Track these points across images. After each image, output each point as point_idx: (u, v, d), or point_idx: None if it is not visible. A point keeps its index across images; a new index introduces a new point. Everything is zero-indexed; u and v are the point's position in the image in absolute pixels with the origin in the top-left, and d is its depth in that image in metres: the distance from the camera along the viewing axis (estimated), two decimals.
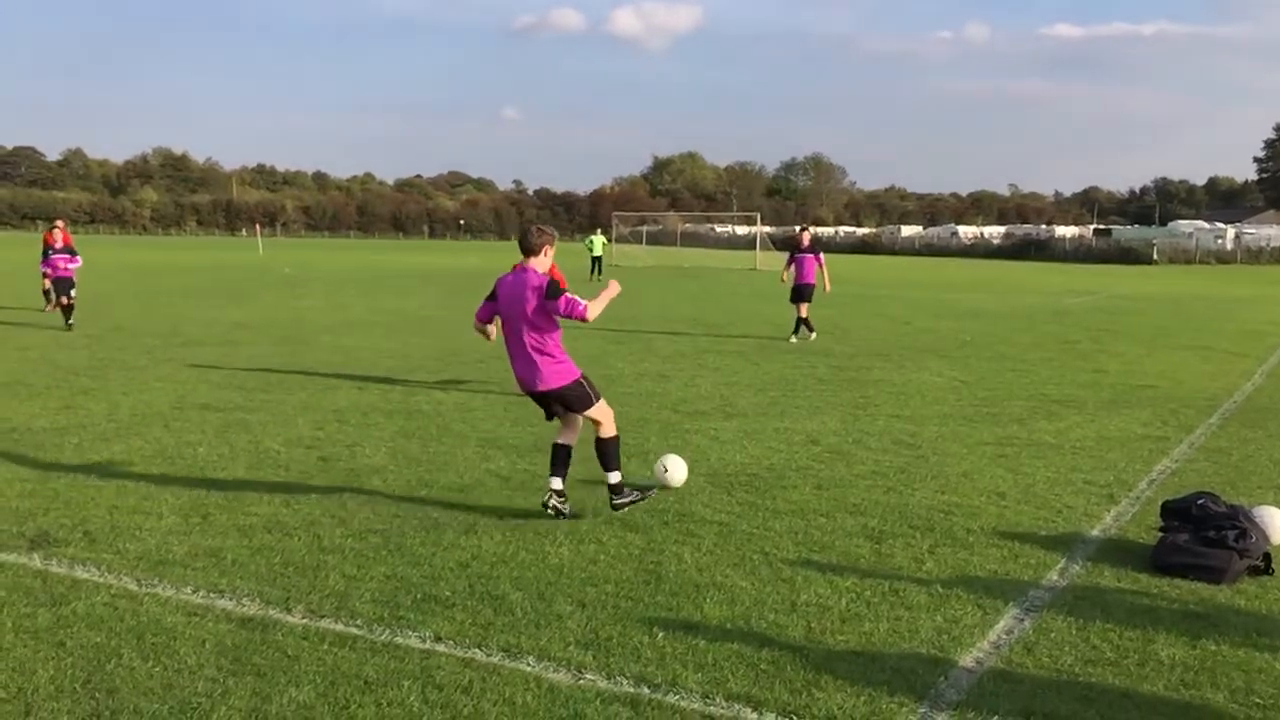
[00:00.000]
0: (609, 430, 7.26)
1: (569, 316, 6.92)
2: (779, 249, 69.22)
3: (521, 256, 7.28)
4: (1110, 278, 50.22)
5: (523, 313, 6.99)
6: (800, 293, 19.55)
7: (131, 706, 4.42)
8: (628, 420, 10.92)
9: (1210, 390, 13.77)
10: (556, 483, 7.23)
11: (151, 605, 5.57)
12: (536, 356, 7.05)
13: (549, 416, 7.43)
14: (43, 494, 7.73)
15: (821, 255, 19.65)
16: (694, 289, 36.32)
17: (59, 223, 23.78)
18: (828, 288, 19.84)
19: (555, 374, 7.08)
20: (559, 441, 7.32)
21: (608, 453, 7.25)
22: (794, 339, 19.35)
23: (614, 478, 7.26)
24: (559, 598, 5.78)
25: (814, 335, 19.39)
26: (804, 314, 19.45)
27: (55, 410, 11.10)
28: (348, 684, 4.66)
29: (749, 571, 6.29)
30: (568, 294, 6.94)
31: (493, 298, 7.25)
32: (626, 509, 7.30)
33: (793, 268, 19.71)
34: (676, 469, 8.14)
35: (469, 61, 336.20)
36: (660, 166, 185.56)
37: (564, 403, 7.19)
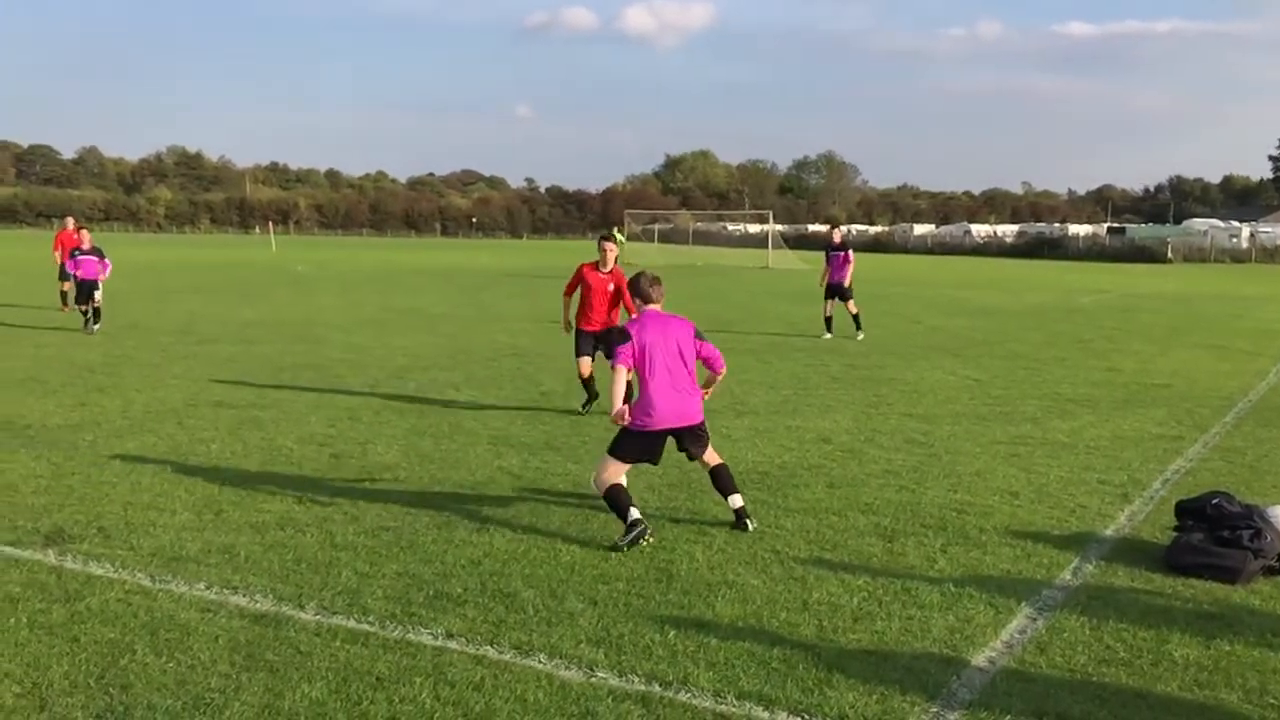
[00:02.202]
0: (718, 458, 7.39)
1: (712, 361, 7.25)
2: (791, 247, 69.17)
3: (642, 303, 7.32)
4: (1124, 276, 50.02)
5: (679, 351, 7.08)
6: (833, 290, 19.67)
7: (145, 702, 4.44)
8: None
9: (1225, 389, 13.71)
10: (736, 500, 7.20)
11: (165, 601, 5.60)
12: (690, 389, 7.13)
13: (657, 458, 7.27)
14: (58, 490, 7.77)
15: (850, 253, 19.88)
16: (706, 287, 36.30)
17: (69, 221, 23.74)
18: (846, 282, 19.83)
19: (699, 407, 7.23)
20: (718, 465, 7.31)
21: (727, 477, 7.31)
22: (827, 335, 19.37)
23: (737, 501, 7.22)
24: (570, 595, 5.79)
25: (860, 335, 19.36)
26: (854, 310, 19.64)
27: (70, 407, 11.15)
28: (360, 681, 4.67)
29: (761, 570, 6.28)
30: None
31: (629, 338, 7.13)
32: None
33: (828, 266, 19.84)
34: None
35: (481, 60, 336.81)
36: (672, 164, 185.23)
37: (698, 434, 7.22)
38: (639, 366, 7.02)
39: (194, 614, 5.42)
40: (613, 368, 7.08)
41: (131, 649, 4.97)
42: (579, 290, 11.22)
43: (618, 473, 6.96)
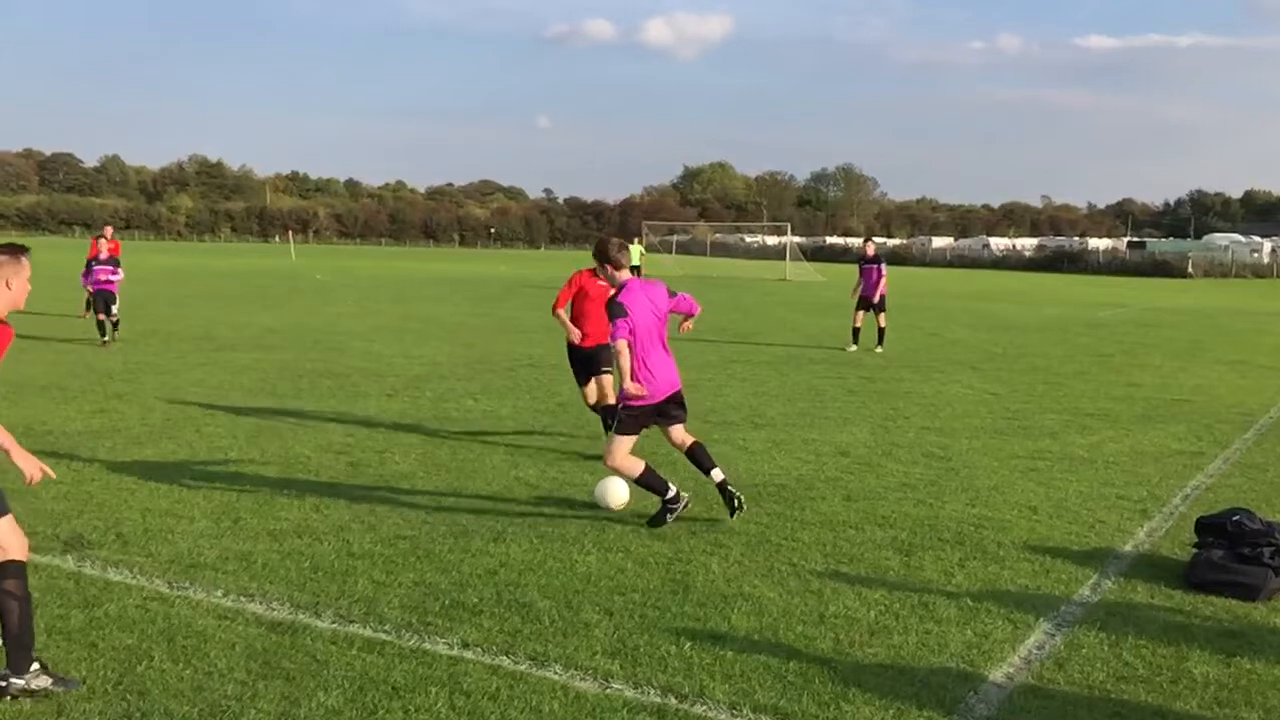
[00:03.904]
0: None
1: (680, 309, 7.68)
2: (809, 259, 69.09)
3: (617, 272, 7.51)
4: (1144, 291, 49.77)
5: (661, 317, 7.39)
6: (866, 303, 19.67)
7: (162, 708, 4.45)
8: (655, 429, 10.91)
9: (1246, 405, 13.61)
10: (718, 474, 7.48)
11: (183, 608, 5.62)
12: (670, 352, 7.43)
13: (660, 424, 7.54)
14: (77, 496, 7.81)
15: (884, 266, 19.87)
16: (723, 298, 36.28)
17: (107, 230, 23.66)
18: (877, 296, 19.78)
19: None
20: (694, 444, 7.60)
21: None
22: (852, 348, 19.34)
23: (719, 474, 7.50)
24: (586, 606, 5.78)
25: (880, 349, 19.28)
26: (882, 324, 19.62)
27: (90, 413, 11.22)
28: (376, 689, 4.68)
29: (777, 582, 6.27)
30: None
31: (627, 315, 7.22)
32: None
33: (861, 278, 19.81)
34: (609, 493, 7.71)
35: (501, 70, 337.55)
36: (690, 176, 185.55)
37: (681, 399, 7.56)
38: (634, 339, 7.18)
39: (211, 621, 5.44)
40: (616, 342, 7.15)
41: (149, 655, 4.99)
42: (571, 302, 10.01)
43: (631, 450, 7.31)
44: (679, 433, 7.58)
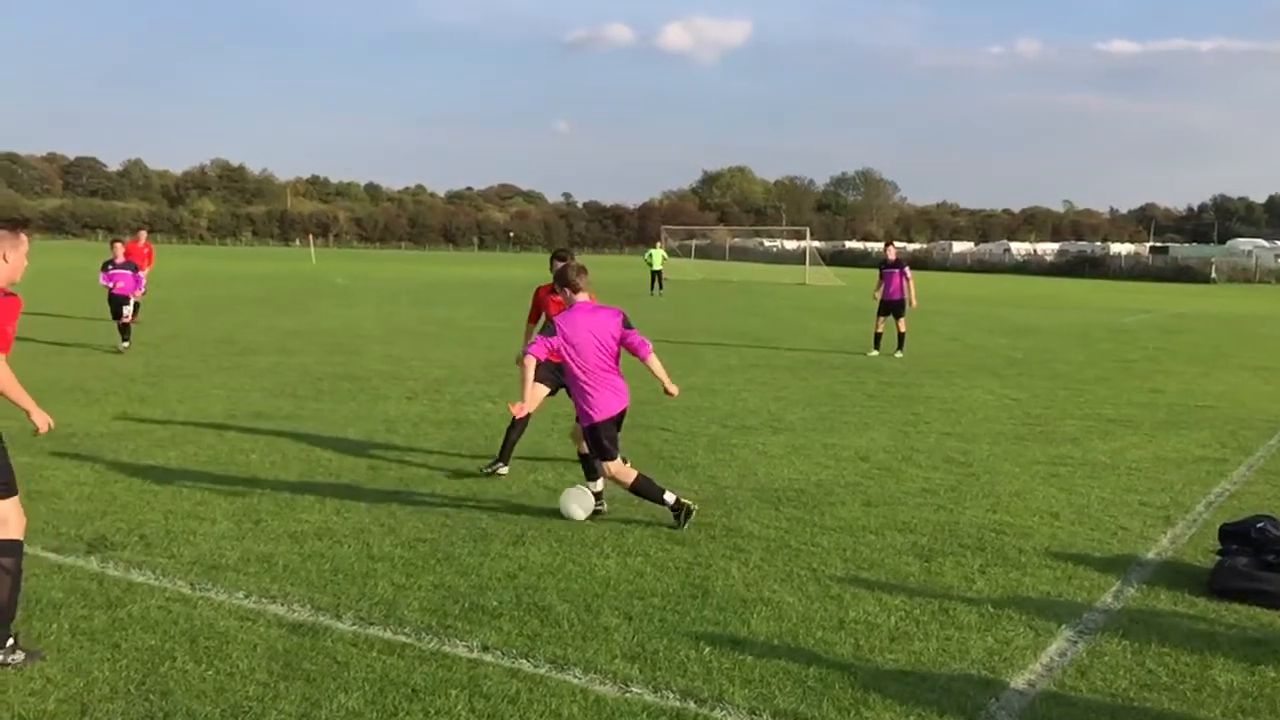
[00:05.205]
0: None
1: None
2: (828, 264, 68.95)
3: (573, 294, 7.53)
4: (1167, 296, 49.43)
5: (609, 339, 7.40)
6: (887, 308, 19.56)
7: (185, 709, 4.48)
8: (674, 434, 10.92)
9: (1270, 412, 13.49)
10: (598, 485, 7.74)
11: (205, 609, 5.65)
12: (619, 373, 7.53)
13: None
14: (100, 498, 7.87)
15: (908, 270, 19.64)
16: (742, 303, 36.25)
17: (141, 234, 23.80)
18: (913, 303, 19.68)
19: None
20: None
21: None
22: (873, 352, 19.27)
23: (598, 485, 7.80)
24: (606, 610, 5.78)
25: (900, 354, 19.17)
26: (902, 329, 19.48)
27: (113, 416, 11.30)
28: (396, 691, 4.69)
29: (796, 588, 6.25)
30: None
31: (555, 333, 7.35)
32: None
33: (882, 283, 19.71)
34: (571, 505, 7.66)
35: (520, 75, 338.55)
36: (709, 180, 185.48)
37: (621, 421, 7.66)
38: (571, 362, 7.31)
39: (233, 622, 5.47)
40: (526, 357, 7.33)
41: (171, 656, 5.02)
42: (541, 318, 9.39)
43: (630, 470, 7.44)
44: (585, 444, 7.79)
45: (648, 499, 7.45)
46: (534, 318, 9.60)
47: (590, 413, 7.35)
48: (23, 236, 4.95)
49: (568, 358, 7.30)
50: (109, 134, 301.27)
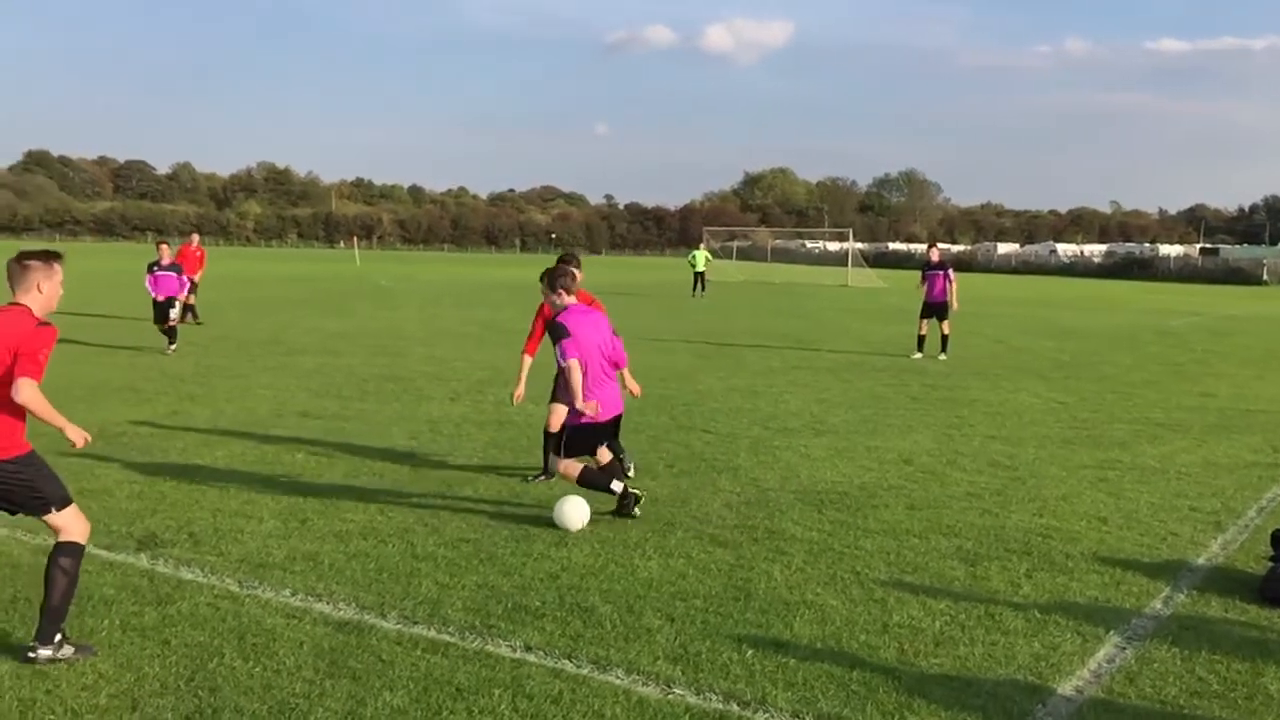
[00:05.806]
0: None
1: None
2: (871, 265, 68.53)
3: (566, 296, 7.66)
4: (1218, 298, 48.65)
5: (605, 341, 7.58)
6: (930, 310, 19.41)
7: (233, 705, 4.54)
8: (716, 436, 10.90)
9: None
10: (617, 485, 7.66)
11: (252, 607, 5.72)
12: (614, 376, 7.68)
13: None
14: (150, 496, 7.99)
15: (951, 271, 19.43)
16: (785, 305, 36.13)
17: (194, 237, 24.19)
18: (955, 305, 19.51)
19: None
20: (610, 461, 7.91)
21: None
22: (917, 355, 19.13)
23: (618, 486, 7.71)
24: (648, 611, 5.79)
25: (944, 356, 18.98)
26: (946, 331, 19.30)
27: (163, 415, 11.47)
28: (440, 690, 4.72)
29: (840, 591, 6.22)
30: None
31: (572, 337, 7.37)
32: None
33: (925, 285, 19.56)
34: (567, 515, 7.38)
35: (562, 77, 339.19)
36: (751, 182, 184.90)
37: (619, 423, 7.81)
38: (583, 358, 7.35)
39: (279, 620, 5.53)
40: (566, 362, 7.28)
41: (220, 653, 5.08)
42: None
43: (576, 464, 7.53)
44: (602, 451, 7.85)
45: (596, 489, 7.54)
46: (533, 348, 9.34)
47: (597, 413, 7.43)
48: (56, 267, 5.09)
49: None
50: (158, 137, 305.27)
